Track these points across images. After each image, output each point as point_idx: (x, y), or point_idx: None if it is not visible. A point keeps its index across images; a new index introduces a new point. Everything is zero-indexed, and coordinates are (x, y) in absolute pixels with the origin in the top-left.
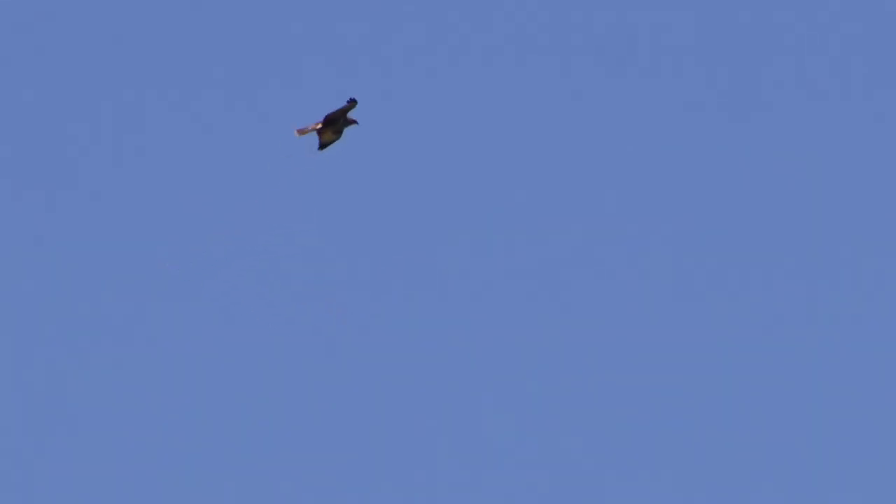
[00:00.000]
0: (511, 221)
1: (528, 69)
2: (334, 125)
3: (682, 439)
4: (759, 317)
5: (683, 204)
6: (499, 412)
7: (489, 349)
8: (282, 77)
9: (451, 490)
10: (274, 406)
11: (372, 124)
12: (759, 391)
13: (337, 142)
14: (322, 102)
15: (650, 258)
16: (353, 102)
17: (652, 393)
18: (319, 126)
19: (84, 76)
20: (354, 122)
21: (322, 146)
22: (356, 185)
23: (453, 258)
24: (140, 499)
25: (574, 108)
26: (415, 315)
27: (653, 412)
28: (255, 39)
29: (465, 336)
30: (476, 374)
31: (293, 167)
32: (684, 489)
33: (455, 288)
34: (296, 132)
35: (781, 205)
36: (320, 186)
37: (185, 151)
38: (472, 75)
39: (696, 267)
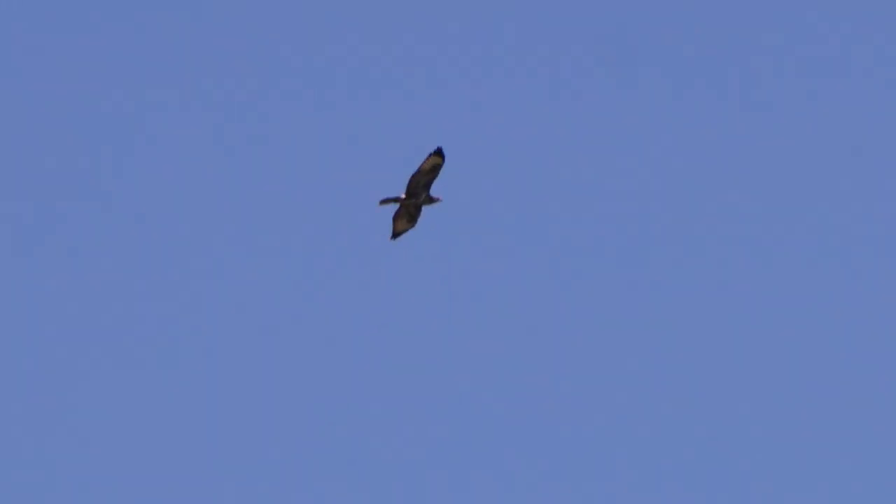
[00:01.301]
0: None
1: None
2: (415, 199)
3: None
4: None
5: (683, 204)
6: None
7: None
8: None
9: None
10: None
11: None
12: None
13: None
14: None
15: (649, 258)
16: (438, 155)
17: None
18: (403, 198)
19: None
20: (438, 199)
21: (395, 235)
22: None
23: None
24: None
25: (573, 108)
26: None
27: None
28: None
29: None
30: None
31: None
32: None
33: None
34: (378, 203)
35: (782, 204)
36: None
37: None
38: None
39: (695, 267)
